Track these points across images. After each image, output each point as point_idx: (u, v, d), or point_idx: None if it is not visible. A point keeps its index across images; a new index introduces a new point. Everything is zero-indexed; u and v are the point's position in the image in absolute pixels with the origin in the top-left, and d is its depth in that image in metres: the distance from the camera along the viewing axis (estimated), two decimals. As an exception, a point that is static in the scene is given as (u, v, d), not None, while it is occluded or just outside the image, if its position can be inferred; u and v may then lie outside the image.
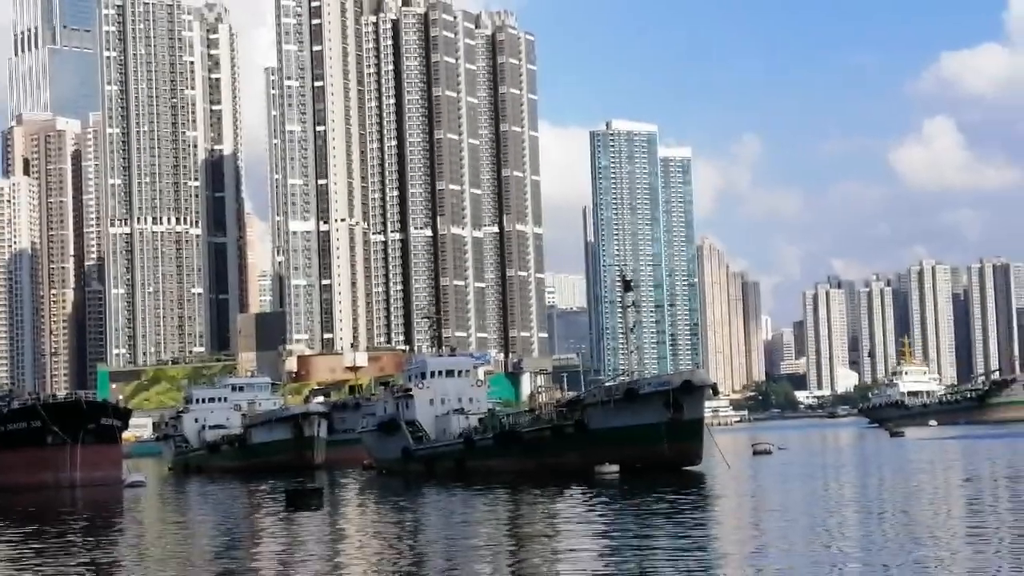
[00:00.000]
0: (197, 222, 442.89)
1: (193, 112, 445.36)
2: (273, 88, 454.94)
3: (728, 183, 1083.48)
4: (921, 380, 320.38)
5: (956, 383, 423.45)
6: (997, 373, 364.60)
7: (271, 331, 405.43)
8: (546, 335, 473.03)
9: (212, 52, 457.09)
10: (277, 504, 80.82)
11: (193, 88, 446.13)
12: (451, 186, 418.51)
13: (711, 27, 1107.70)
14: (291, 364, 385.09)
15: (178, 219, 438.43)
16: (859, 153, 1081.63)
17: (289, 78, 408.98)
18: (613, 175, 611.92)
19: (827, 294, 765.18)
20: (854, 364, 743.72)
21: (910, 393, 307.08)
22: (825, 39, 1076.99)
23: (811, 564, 40.51)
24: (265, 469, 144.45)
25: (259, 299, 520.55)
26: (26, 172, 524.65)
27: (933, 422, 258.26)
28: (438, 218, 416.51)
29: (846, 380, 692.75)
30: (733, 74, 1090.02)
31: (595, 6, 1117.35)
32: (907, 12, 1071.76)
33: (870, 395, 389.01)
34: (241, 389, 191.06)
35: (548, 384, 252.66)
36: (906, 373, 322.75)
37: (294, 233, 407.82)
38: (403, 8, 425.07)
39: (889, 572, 38.13)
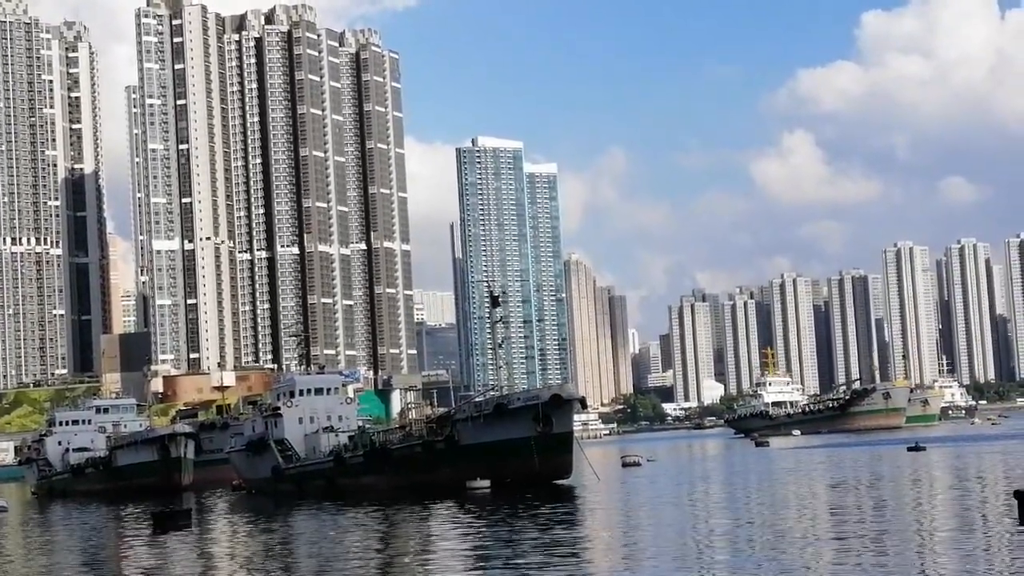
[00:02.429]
0: (58, 242, 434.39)
1: (53, 131, 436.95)
2: (135, 107, 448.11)
3: (595, 197, 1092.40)
4: (784, 391, 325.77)
5: (818, 393, 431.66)
6: (858, 383, 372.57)
7: (136, 352, 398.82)
8: (415, 352, 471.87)
9: (71, 71, 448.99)
10: (144, 527, 79.70)
11: (52, 107, 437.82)
12: (317, 203, 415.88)
13: (575, 42, 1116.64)
14: (157, 385, 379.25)
15: (38, 239, 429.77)
16: (722, 166, 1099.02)
17: (151, 96, 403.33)
18: (480, 191, 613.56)
19: (692, 307, 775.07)
20: (720, 376, 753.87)
21: (774, 404, 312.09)
22: (687, 52, 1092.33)
23: (682, 570, 41.08)
24: (132, 492, 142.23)
25: (123, 319, 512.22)
26: None
27: (797, 432, 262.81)
28: (305, 236, 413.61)
29: (712, 392, 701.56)
30: (598, 88, 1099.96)
31: (460, 24, 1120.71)
32: (765, 28, 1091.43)
33: (735, 406, 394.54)
34: (106, 411, 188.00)
35: (418, 401, 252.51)
36: (770, 384, 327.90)
37: (158, 252, 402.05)
38: (266, 26, 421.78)
39: (755, 578, 38.87)
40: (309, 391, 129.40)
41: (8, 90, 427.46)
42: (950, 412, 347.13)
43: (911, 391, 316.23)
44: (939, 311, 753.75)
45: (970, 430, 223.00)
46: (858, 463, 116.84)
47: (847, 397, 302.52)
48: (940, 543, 45.57)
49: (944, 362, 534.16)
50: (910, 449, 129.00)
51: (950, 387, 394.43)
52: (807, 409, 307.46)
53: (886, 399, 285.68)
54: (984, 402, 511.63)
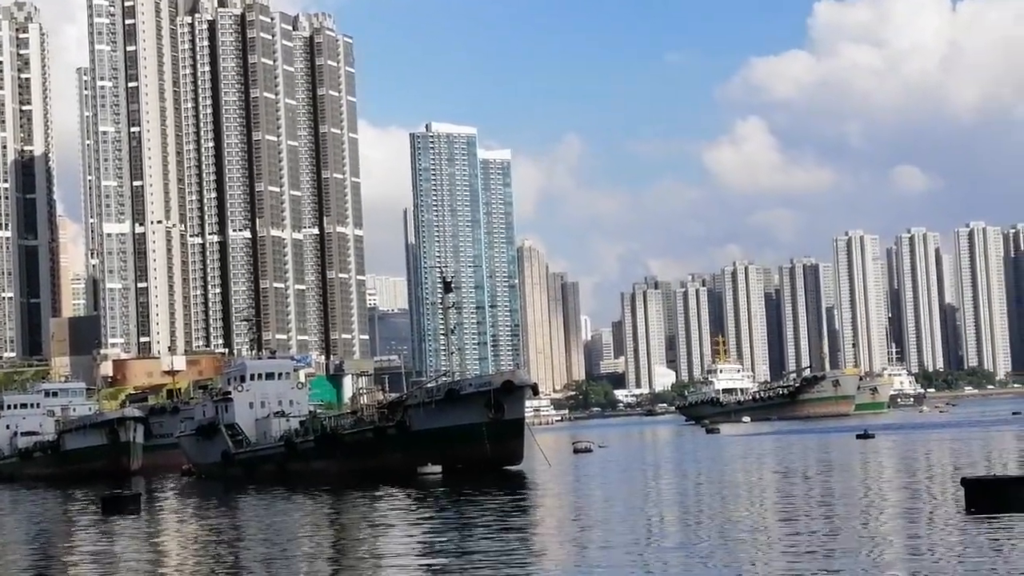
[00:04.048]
0: (7, 224, 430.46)
1: (2, 112, 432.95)
2: (86, 89, 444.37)
3: (549, 184, 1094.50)
4: (735, 378, 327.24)
5: (769, 380, 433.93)
6: (808, 370, 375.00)
7: (85, 335, 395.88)
8: (368, 337, 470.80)
9: (22, 52, 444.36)
10: (92, 511, 79.18)
11: (2, 88, 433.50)
12: (270, 188, 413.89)
13: (531, 28, 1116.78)
14: (107, 369, 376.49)
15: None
16: (675, 154, 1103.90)
17: (102, 78, 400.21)
18: (433, 177, 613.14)
19: (644, 294, 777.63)
20: (671, 363, 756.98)
21: (725, 391, 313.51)
22: (643, 40, 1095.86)
23: (632, 558, 41.17)
24: (80, 476, 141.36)
25: (73, 303, 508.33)
26: None
27: (747, 418, 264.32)
28: (257, 220, 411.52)
29: (664, 379, 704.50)
30: (553, 75, 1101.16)
31: (414, 9, 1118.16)
32: (719, 16, 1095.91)
33: (686, 393, 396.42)
34: (55, 394, 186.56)
35: (370, 386, 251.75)
36: (721, 371, 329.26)
37: (109, 235, 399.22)
38: (219, 9, 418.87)
39: (707, 563, 38.98)
40: (260, 376, 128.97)
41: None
42: (899, 400, 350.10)
43: (860, 379, 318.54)
44: (889, 300, 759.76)
45: (918, 418, 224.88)
46: (807, 450, 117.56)
47: (797, 384, 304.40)
48: (888, 529, 45.88)
49: (893, 350, 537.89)
50: (859, 436, 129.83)
51: (899, 375, 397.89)
52: (757, 396, 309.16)
53: (836, 387, 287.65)
54: (932, 390, 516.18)
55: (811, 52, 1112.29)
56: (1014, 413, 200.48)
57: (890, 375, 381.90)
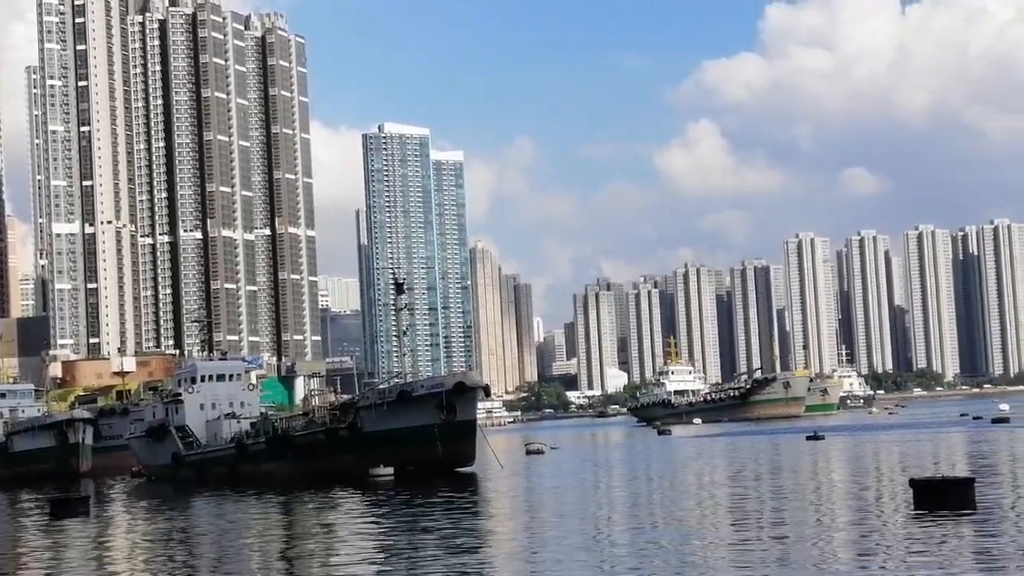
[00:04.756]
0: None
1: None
2: (35, 87, 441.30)
3: (502, 185, 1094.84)
4: (687, 380, 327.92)
5: (720, 382, 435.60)
6: (759, 372, 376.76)
7: (34, 336, 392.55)
8: (320, 338, 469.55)
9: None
10: (41, 514, 78.60)
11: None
12: (221, 188, 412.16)
13: (483, 30, 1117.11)
14: (55, 370, 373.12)
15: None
16: (627, 156, 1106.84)
17: (52, 77, 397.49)
18: (386, 178, 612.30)
19: (596, 296, 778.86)
20: (623, 365, 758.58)
21: (676, 392, 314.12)
22: (595, 42, 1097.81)
23: (582, 559, 41.29)
24: (28, 478, 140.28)
25: (21, 303, 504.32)
26: None
27: (698, 420, 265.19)
28: (208, 220, 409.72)
29: (616, 380, 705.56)
30: (505, 76, 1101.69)
31: (366, 9, 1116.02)
32: (671, 19, 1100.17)
33: (638, 395, 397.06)
34: (2, 396, 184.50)
35: (322, 387, 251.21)
36: (672, 373, 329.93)
37: (58, 235, 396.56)
38: (170, 8, 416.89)
39: (659, 564, 39.13)
40: (211, 377, 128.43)
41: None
42: (849, 402, 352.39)
43: (811, 380, 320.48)
44: (839, 302, 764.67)
45: (868, 419, 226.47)
46: (758, 451, 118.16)
47: (748, 386, 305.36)
48: (839, 529, 46.24)
49: (843, 352, 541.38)
50: (809, 438, 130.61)
51: (849, 377, 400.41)
52: (709, 398, 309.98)
53: (786, 388, 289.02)
54: (882, 392, 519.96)
55: (762, 55, 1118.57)
56: (962, 415, 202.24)
57: (840, 377, 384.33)
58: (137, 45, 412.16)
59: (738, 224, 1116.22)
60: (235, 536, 57.10)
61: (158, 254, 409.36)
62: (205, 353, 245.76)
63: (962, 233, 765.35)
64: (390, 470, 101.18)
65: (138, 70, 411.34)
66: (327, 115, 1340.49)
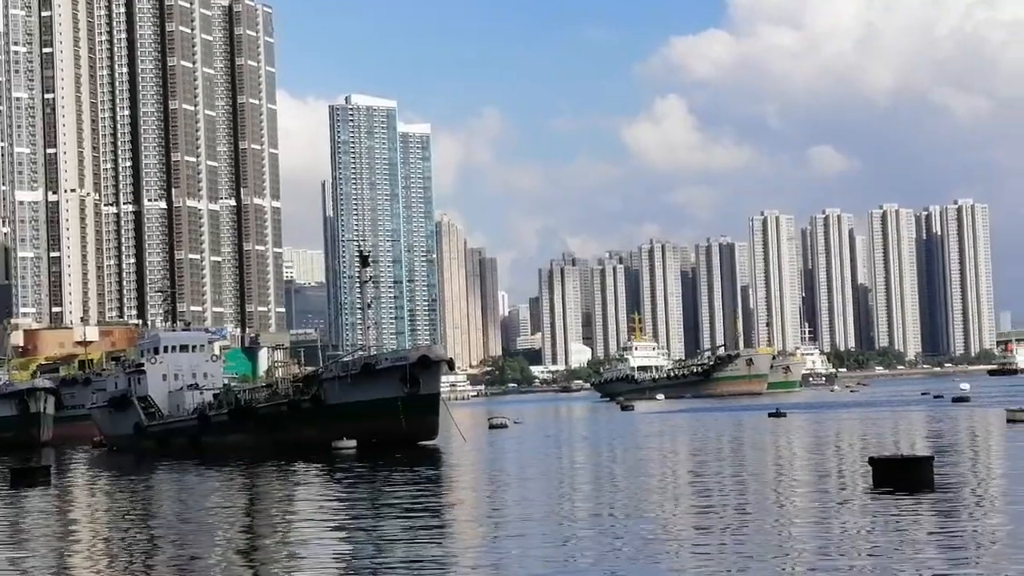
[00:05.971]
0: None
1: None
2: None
3: (468, 158, 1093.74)
4: (650, 356, 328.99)
5: (684, 358, 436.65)
6: (722, 349, 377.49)
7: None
8: (284, 310, 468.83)
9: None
10: (1, 484, 78.29)
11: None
12: (187, 158, 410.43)
13: (452, 1, 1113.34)
14: (17, 338, 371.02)
15: None
16: (594, 130, 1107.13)
17: (16, 43, 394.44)
18: (353, 150, 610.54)
19: (562, 271, 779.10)
20: (588, 340, 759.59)
21: (640, 368, 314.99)
22: (563, 15, 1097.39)
23: (545, 532, 41.42)
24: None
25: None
26: None
27: (661, 396, 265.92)
28: (173, 190, 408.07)
29: (580, 355, 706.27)
30: (473, 49, 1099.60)
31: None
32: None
33: (602, 370, 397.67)
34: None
35: (286, 359, 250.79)
36: (636, 349, 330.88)
37: (21, 203, 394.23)
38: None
39: (620, 540, 39.31)
40: (174, 348, 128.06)
41: None
42: (811, 379, 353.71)
43: (773, 358, 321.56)
44: (803, 279, 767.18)
45: (829, 397, 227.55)
46: (720, 428, 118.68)
47: (711, 363, 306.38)
48: (798, 506, 46.54)
49: (806, 330, 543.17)
50: (771, 415, 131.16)
51: (811, 354, 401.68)
52: (672, 374, 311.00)
53: (749, 365, 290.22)
54: (844, 370, 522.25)
55: (731, 32, 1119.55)
56: (923, 394, 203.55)
57: (803, 354, 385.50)
58: (103, 12, 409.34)
59: (705, 200, 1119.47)
60: (197, 508, 57.05)
61: (122, 223, 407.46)
62: (168, 323, 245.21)
63: (926, 213, 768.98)
64: (353, 443, 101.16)
65: (104, 37, 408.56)
66: (294, 85, 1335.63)
